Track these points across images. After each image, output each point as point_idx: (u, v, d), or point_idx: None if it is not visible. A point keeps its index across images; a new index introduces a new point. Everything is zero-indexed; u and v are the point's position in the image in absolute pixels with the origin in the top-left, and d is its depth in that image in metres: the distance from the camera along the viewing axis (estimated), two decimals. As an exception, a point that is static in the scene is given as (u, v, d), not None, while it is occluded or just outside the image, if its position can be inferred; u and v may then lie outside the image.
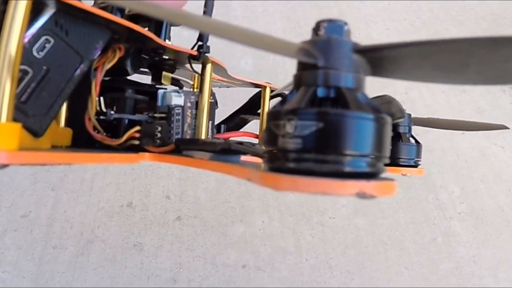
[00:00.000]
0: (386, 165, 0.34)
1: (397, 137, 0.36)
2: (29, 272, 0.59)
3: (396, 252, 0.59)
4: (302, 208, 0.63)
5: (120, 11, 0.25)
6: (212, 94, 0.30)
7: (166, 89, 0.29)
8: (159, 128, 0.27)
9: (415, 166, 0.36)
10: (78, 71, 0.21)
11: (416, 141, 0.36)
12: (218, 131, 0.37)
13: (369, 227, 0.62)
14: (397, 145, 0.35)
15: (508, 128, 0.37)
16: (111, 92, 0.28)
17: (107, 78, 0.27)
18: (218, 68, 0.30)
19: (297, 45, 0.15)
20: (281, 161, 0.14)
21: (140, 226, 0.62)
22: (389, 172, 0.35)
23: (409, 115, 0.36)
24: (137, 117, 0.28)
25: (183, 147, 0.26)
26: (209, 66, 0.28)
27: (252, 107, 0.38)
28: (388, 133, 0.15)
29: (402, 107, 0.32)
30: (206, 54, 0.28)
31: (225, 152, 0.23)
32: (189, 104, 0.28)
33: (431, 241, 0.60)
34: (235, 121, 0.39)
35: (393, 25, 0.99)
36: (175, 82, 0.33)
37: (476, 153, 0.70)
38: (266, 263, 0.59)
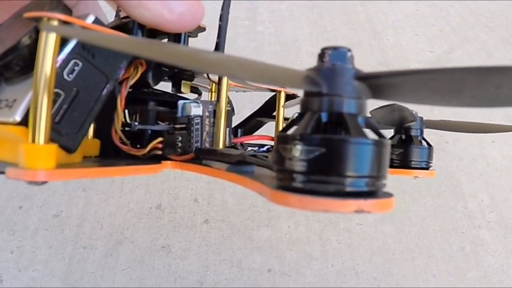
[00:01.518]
0: (399, 167, 0.35)
1: (409, 140, 0.36)
2: (59, 271, 0.60)
3: (423, 259, 0.59)
4: (329, 213, 0.63)
5: (141, 28, 0.26)
6: (229, 102, 0.31)
7: (185, 99, 0.29)
8: (180, 138, 0.28)
9: (427, 168, 0.36)
10: (105, 91, 0.22)
11: (428, 144, 0.37)
12: (236, 135, 0.37)
13: (396, 235, 0.61)
14: (409, 148, 0.36)
15: None
16: (134, 104, 0.29)
17: (130, 90, 0.28)
18: None
19: (302, 75, 0.16)
20: (288, 181, 0.16)
21: (168, 228, 0.62)
22: (402, 175, 0.36)
23: (421, 118, 0.37)
24: (159, 127, 0.29)
25: (202, 156, 0.27)
26: (225, 80, 0.29)
27: (267, 110, 0.39)
28: (386, 154, 0.16)
29: (412, 111, 0.33)
30: None
31: (240, 164, 0.24)
32: (207, 114, 0.29)
33: (459, 249, 0.60)
34: (251, 123, 0.40)
35: (422, 31, 0.98)
36: (194, 89, 0.34)
37: (506, 162, 0.69)
38: (291, 268, 0.59)
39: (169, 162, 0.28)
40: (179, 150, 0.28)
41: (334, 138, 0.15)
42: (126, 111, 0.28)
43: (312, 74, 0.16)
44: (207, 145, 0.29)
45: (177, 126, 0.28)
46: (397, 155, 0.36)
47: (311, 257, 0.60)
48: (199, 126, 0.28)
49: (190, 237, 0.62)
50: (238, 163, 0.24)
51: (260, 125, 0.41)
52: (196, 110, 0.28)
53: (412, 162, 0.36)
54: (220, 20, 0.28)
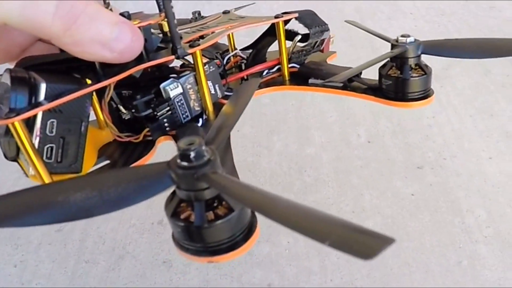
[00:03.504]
0: (395, 99, 0.35)
1: (405, 71, 0.34)
2: (62, 285, 0.61)
3: (421, 274, 0.59)
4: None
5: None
6: (212, 63, 0.33)
7: (168, 78, 0.32)
8: (165, 120, 0.31)
9: (426, 97, 0.35)
10: (83, 128, 0.28)
11: (424, 72, 0.34)
12: (240, 69, 0.40)
13: (394, 249, 0.62)
14: (405, 81, 0.34)
15: None
16: (126, 99, 0.32)
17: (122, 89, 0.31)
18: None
19: (163, 177, 0.21)
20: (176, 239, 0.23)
21: (170, 244, 0.63)
22: (401, 108, 0.35)
23: (419, 44, 0.34)
24: (147, 113, 0.32)
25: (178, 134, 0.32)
26: (197, 53, 0.31)
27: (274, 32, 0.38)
28: (229, 225, 0.21)
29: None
30: (187, 51, 0.30)
31: None
32: (189, 86, 0.32)
33: (456, 264, 0.60)
34: (263, 42, 0.40)
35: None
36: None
37: (503, 178, 0.70)
38: (291, 283, 0.60)
39: (162, 137, 0.32)
40: (168, 129, 0.31)
41: (181, 225, 0.21)
42: (121, 107, 0.32)
43: (166, 173, 0.21)
44: (198, 109, 0.32)
45: (158, 113, 0.31)
46: (389, 86, 0.34)
47: (310, 272, 0.60)
48: (182, 101, 0.31)
49: (191, 252, 0.62)
50: None
51: (271, 42, 0.41)
52: (175, 91, 0.31)
53: (410, 94, 0.34)
54: (166, 17, 0.29)
